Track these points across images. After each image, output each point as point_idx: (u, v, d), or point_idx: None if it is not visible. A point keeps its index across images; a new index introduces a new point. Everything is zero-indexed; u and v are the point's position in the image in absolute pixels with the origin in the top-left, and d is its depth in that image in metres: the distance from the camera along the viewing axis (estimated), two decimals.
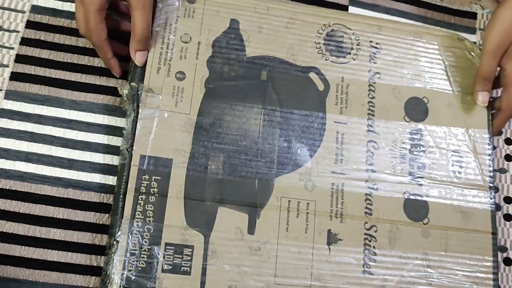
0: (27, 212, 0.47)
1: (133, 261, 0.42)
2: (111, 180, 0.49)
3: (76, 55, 0.52)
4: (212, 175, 0.46)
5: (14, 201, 0.47)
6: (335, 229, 0.47)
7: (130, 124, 0.46)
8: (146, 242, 0.43)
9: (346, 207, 0.47)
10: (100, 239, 0.47)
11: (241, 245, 0.45)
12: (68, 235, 0.47)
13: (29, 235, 0.47)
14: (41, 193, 0.48)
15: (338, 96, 0.50)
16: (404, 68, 0.52)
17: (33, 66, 0.51)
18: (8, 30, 0.52)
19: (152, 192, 0.44)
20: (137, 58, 0.48)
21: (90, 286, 0.46)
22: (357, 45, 0.52)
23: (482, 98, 0.52)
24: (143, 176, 0.44)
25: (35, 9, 0.53)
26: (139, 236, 0.43)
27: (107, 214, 0.47)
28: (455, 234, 0.49)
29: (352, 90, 0.51)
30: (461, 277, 0.48)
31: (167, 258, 0.43)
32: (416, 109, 0.51)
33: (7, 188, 0.48)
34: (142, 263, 0.43)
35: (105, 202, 0.48)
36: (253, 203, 0.46)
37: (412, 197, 0.49)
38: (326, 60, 0.51)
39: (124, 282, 0.42)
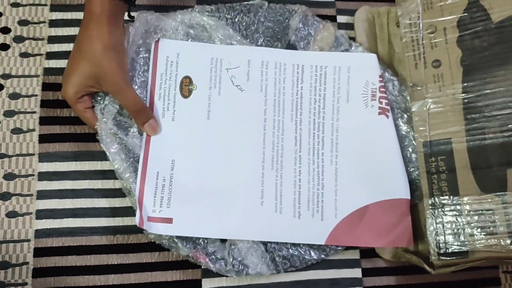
0: (84, 264, 0.51)
1: (444, 231, 0.50)
2: None
3: None
4: (492, 141, 0.50)
5: (69, 256, 0.51)
6: None
7: None
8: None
9: None
10: (154, 277, 0.51)
11: None
12: (125, 279, 0.51)
13: (89, 285, 0.51)
14: (93, 244, 0.51)
15: None
16: None
17: (57, 126, 0.53)
18: (27, 96, 0.54)
19: (441, 171, 0.51)
20: (148, 130, 0.50)
21: None
22: None
23: None
24: (430, 159, 0.51)
25: (48, 71, 0.55)
26: (441, 211, 0.50)
27: (157, 253, 0.52)
28: None
29: None
30: None
31: (473, 224, 0.49)
32: None
33: (60, 245, 0.51)
34: (452, 231, 0.50)
35: (153, 241, 0.50)
36: None
37: None
38: None
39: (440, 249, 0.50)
